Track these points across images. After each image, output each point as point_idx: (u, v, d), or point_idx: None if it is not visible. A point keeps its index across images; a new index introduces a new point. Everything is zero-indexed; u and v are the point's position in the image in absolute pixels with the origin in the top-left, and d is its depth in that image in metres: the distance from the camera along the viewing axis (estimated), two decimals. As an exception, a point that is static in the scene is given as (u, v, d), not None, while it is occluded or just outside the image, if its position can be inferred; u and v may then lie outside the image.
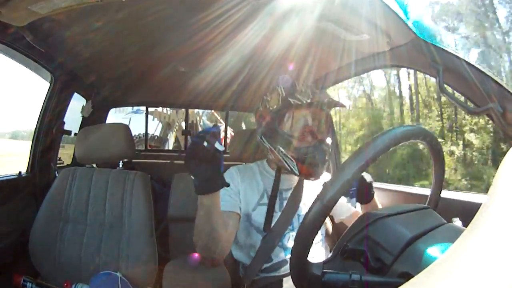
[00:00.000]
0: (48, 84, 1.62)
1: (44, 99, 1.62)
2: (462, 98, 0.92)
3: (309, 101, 1.03)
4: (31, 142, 1.63)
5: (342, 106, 1.17)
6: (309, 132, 1.06)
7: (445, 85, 0.90)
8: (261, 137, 1.13)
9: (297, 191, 1.17)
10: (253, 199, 1.14)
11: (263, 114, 1.12)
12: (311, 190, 1.18)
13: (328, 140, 1.09)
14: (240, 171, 1.19)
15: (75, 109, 1.97)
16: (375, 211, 0.70)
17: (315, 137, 1.06)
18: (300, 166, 1.04)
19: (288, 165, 1.06)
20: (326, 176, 1.18)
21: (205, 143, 0.76)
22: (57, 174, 1.49)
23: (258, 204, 1.14)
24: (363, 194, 1.07)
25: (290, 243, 1.11)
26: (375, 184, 1.12)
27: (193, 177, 0.84)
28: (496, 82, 0.80)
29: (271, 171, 1.19)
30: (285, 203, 1.15)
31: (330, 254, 0.68)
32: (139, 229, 1.37)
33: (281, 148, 1.06)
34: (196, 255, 1.05)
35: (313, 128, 1.06)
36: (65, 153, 2.14)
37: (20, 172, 1.54)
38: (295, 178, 1.18)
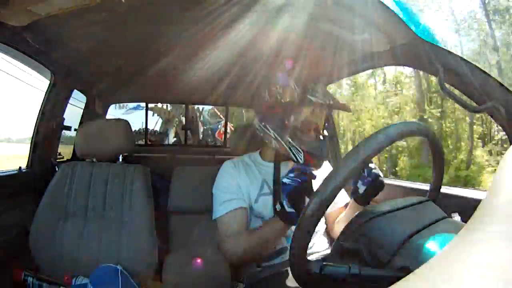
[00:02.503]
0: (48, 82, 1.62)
1: (44, 95, 1.63)
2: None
3: (331, 102, 1.11)
4: (31, 138, 1.64)
5: (350, 111, 1.25)
6: (315, 128, 1.14)
7: (446, 84, 0.90)
8: (265, 126, 1.16)
9: None
10: (253, 191, 1.19)
11: (272, 105, 1.16)
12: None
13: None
14: (236, 165, 1.25)
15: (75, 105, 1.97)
16: (372, 208, 0.70)
17: (319, 133, 1.14)
18: (307, 157, 1.09)
19: (294, 155, 1.11)
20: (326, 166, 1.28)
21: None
22: (57, 169, 1.49)
23: (259, 195, 1.19)
24: (368, 195, 1.09)
25: (292, 229, 1.13)
26: None
27: (287, 208, 0.99)
28: (496, 80, 0.81)
29: (265, 162, 1.26)
30: None
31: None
32: (139, 223, 1.37)
33: (289, 139, 1.10)
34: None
35: (318, 125, 1.14)
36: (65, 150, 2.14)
37: (20, 168, 1.54)
38: (291, 163, 1.22)
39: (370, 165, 1.06)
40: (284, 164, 1.22)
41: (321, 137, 1.14)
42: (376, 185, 1.07)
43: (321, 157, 1.11)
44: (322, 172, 1.06)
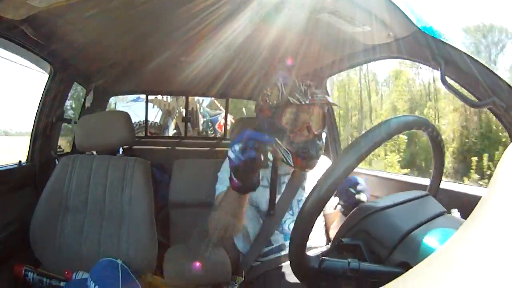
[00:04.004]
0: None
1: (43, 88, 1.62)
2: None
3: (307, 102, 1.09)
4: (31, 131, 1.63)
5: (337, 105, 1.22)
6: (306, 127, 1.12)
7: (447, 78, 0.89)
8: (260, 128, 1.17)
9: (295, 176, 1.23)
10: None
11: (262, 108, 1.17)
12: (310, 175, 1.24)
13: (323, 135, 1.16)
14: None
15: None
16: (371, 203, 0.70)
17: (311, 132, 1.12)
18: (295, 159, 1.10)
19: (284, 157, 1.11)
20: (325, 162, 1.27)
21: (261, 156, 0.83)
22: (57, 162, 1.49)
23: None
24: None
25: (290, 227, 1.15)
26: (375, 172, 1.13)
27: (236, 180, 0.90)
28: (498, 76, 0.80)
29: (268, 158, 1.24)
30: (283, 187, 1.22)
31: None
32: (139, 216, 1.37)
33: (278, 141, 1.11)
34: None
35: (310, 124, 1.12)
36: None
37: (20, 161, 1.54)
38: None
39: (358, 187, 0.99)
40: (285, 164, 1.19)
41: (313, 137, 1.12)
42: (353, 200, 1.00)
43: (309, 157, 1.10)
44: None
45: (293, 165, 1.12)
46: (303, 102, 1.09)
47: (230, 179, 0.92)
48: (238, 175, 0.88)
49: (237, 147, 0.83)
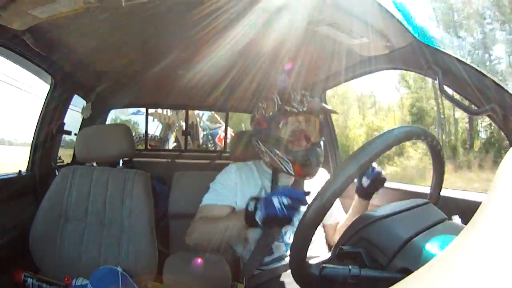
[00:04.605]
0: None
1: (44, 100, 1.63)
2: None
3: (304, 109, 1.11)
4: (31, 141, 1.64)
5: (335, 112, 1.32)
6: (303, 136, 1.13)
7: (445, 87, 0.90)
8: (257, 141, 1.21)
9: (295, 187, 1.23)
10: (251, 194, 1.18)
11: (259, 120, 1.20)
12: (309, 186, 1.21)
13: (321, 143, 1.17)
14: (238, 168, 1.27)
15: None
16: (371, 212, 0.70)
17: (309, 141, 1.13)
18: (295, 167, 1.11)
19: (284, 167, 1.13)
20: (324, 174, 1.31)
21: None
22: (57, 173, 1.49)
23: None
24: (371, 189, 1.14)
25: (291, 239, 1.13)
26: None
27: (260, 223, 0.99)
28: (496, 83, 0.81)
29: (268, 169, 1.26)
30: None
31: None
32: (139, 228, 1.37)
33: (277, 151, 1.13)
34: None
35: (307, 132, 1.14)
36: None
37: (20, 171, 1.54)
38: (292, 178, 1.24)
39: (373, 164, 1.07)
40: (286, 175, 1.22)
41: (311, 145, 1.13)
42: (379, 180, 1.12)
43: (310, 165, 1.11)
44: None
45: (293, 174, 1.13)
46: (300, 110, 1.11)
47: (249, 212, 0.99)
48: (267, 220, 0.96)
49: (284, 199, 0.93)
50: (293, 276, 0.63)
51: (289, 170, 1.12)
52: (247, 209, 1.00)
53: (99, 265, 1.27)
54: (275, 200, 0.94)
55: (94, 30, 1.24)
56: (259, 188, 1.23)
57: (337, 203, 1.32)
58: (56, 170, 1.70)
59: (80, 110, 2.04)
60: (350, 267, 0.57)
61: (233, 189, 1.22)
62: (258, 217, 0.97)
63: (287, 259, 1.12)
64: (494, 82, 0.81)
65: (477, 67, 0.83)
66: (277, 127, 1.14)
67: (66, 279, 1.23)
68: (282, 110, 1.13)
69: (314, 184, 1.18)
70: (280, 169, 1.15)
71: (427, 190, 0.87)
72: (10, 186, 1.44)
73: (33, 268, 1.31)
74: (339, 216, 1.31)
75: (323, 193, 0.59)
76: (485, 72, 0.82)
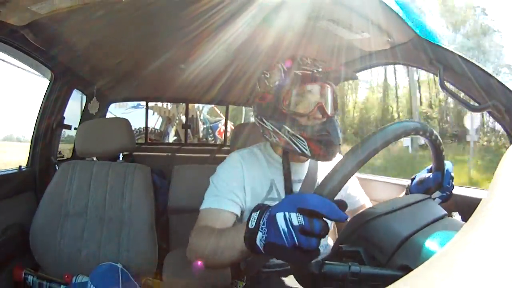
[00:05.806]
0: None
1: (44, 95, 1.63)
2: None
3: (320, 70, 0.92)
4: (31, 136, 1.64)
5: (355, 78, 1.08)
6: (318, 108, 0.93)
7: (446, 83, 0.90)
8: (262, 119, 1.00)
9: (307, 183, 1.05)
10: (261, 193, 1.02)
11: (263, 94, 1.01)
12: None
13: (337, 118, 0.97)
14: (244, 159, 1.05)
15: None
16: (371, 209, 0.70)
17: (325, 114, 0.93)
18: (312, 146, 0.90)
19: (298, 147, 0.91)
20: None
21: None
22: (57, 168, 1.49)
23: (266, 199, 1.02)
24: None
25: None
26: (374, 177, 1.09)
27: (264, 252, 0.64)
28: (496, 80, 0.81)
29: (277, 157, 1.06)
30: None
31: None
32: (139, 222, 1.37)
33: (287, 128, 0.92)
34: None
35: (322, 103, 0.93)
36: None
37: (20, 167, 1.54)
38: (305, 168, 1.07)
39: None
40: (298, 165, 1.06)
41: (329, 118, 0.92)
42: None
43: (330, 142, 0.90)
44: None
45: (309, 155, 0.91)
46: (314, 70, 0.92)
47: (252, 239, 0.63)
48: (271, 248, 0.60)
49: (304, 222, 0.56)
50: (293, 273, 0.63)
51: (304, 150, 0.90)
52: (247, 226, 0.65)
53: (99, 260, 1.28)
54: (280, 220, 0.57)
55: (94, 24, 1.23)
56: (269, 184, 1.03)
57: (357, 186, 1.16)
58: (56, 165, 1.70)
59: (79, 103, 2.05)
60: (350, 264, 0.57)
61: (239, 184, 1.00)
62: (259, 239, 0.62)
63: None
64: (495, 78, 0.80)
65: (478, 64, 0.83)
66: (286, 98, 0.95)
67: (66, 276, 1.24)
68: (291, 75, 0.93)
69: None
70: (292, 150, 0.93)
71: None
72: (10, 182, 1.44)
73: (33, 265, 1.32)
74: (362, 199, 1.15)
75: (321, 189, 0.58)
76: (485, 69, 0.81)
